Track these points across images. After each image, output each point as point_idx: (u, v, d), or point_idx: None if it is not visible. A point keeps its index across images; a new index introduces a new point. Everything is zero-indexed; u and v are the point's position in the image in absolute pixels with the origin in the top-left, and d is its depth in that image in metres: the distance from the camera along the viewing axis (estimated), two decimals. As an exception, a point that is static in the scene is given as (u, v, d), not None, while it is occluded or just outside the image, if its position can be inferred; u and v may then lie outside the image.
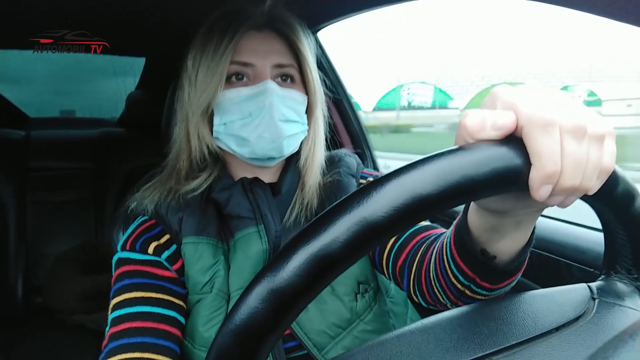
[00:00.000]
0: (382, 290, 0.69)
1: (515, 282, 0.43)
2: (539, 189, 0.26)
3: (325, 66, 1.24)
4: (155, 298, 0.56)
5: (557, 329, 0.31)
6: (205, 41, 0.62)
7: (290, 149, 0.63)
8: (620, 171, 0.29)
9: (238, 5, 0.64)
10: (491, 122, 0.26)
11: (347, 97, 1.30)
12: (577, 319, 0.32)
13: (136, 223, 0.62)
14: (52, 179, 1.48)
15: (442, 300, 0.52)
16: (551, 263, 0.79)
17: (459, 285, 0.46)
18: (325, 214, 0.23)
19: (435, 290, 0.51)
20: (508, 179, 0.25)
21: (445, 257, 0.47)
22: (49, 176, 1.48)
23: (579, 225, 0.82)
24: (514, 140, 0.25)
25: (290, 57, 0.64)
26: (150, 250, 0.59)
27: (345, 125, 1.32)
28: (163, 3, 0.90)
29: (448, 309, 0.53)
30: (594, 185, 0.27)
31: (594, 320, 0.32)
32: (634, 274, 0.35)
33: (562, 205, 0.29)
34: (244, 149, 0.61)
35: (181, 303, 0.58)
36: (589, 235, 0.78)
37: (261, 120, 0.59)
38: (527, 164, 0.25)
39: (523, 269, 0.41)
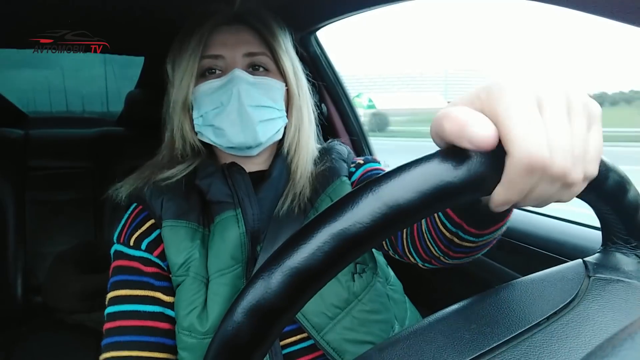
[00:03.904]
0: (380, 274, 0.70)
1: (502, 230, 0.43)
2: (496, 207, 0.26)
3: (323, 63, 1.27)
4: (141, 296, 0.59)
5: (548, 318, 0.29)
6: (181, 41, 0.65)
7: (266, 135, 0.64)
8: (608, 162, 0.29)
9: (210, 5, 0.66)
10: (468, 135, 0.23)
11: (342, 88, 1.32)
12: (568, 303, 0.30)
13: (128, 212, 0.65)
14: (51, 178, 1.47)
15: (434, 252, 0.53)
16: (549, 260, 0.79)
17: (447, 233, 0.47)
18: (304, 228, 0.23)
19: (428, 242, 0.53)
20: (477, 191, 0.24)
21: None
22: (48, 175, 1.47)
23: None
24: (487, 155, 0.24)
25: (261, 47, 0.66)
26: (133, 242, 0.62)
27: (340, 115, 1.34)
28: (163, 3, 0.90)
29: (444, 263, 0.54)
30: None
31: (588, 304, 0.30)
32: (632, 242, 0.34)
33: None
34: (221, 138, 0.63)
35: (167, 298, 0.60)
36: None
37: (231, 108, 0.61)
38: (495, 181, 0.24)
39: (510, 215, 0.41)
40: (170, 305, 0.60)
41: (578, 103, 0.25)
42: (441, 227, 0.48)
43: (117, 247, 0.63)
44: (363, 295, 0.63)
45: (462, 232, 0.45)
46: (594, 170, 0.26)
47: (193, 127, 0.67)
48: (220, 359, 0.23)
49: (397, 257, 0.64)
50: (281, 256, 0.22)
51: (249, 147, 0.64)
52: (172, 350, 0.58)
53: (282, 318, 0.22)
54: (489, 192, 0.25)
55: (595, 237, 0.76)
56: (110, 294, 0.59)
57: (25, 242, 1.40)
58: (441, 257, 0.53)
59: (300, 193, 0.65)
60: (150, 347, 0.56)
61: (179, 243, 0.60)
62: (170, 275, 0.61)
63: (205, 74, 0.64)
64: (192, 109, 0.66)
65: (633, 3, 0.45)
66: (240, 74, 0.62)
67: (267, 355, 0.59)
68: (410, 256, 0.60)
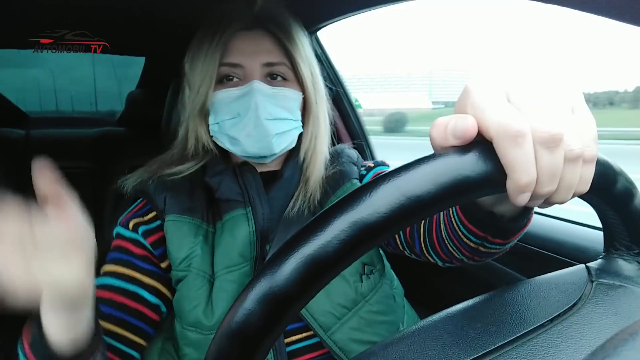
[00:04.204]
0: (387, 275, 0.70)
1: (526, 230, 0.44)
2: (517, 197, 0.25)
3: (324, 64, 1.25)
4: (121, 273, 0.60)
5: (552, 320, 0.30)
6: (200, 43, 0.64)
7: (281, 146, 0.64)
8: (607, 161, 0.29)
9: (229, 6, 0.65)
10: (451, 130, 0.25)
11: (345, 93, 1.31)
12: (572, 306, 0.31)
13: (134, 205, 0.67)
14: (52, 178, 1.47)
15: (457, 256, 0.53)
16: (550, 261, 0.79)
17: (471, 244, 0.47)
18: (319, 217, 0.23)
19: (450, 248, 0.53)
20: (483, 186, 0.24)
21: (453, 221, 0.48)
22: (48, 175, 1.47)
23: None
24: (485, 146, 0.24)
25: (281, 56, 0.65)
26: (132, 226, 0.63)
27: (343, 120, 1.33)
28: (163, 3, 0.90)
29: (468, 264, 0.54)
30: (571, 194, 0.27)
31: (591, 307, 0.31)
32: (635, 250, 0.35)
33: (545, 206, 0.29)
34: (236, 147, 0.63)
35: (148, 281, 0.61)
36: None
37: (248, 120, 0.61)
38: (502, 171, 0.24)
39: (532, 217, 0.42)
40: (149, 288, 0.61)
41: (551, 91, 0.26)
42: (465, 239, 0.48)
43: (117, 229, 0.65)
44: (370, 296, 0.63)
45: (487, 242, 0.45)
46: (593, 151, 0.26)
47: (208, 131, 0.67)
48: (227, 346, 0.22)
49: (413, 256, 0.65)
50: (297, 243, 0.22)
51: (263, 157, 0.65)
52: (135, 330, 0.59)
53: (293, 306, 0.22)
54: (502, 184, 0.25)
55: (596, 237, 0.76)
56: (105, 268, 0.61)
57: (25, 242, 1.40)
58: (464, 260, 0.53)
59: (311, 195, 0.66)
60: (114, 321, 0.57)
61: (181, 238, 0.61)
62: (161, 264, 0.62)
63: (223, 81, 0.64)
64: (209, 114, 0.65)
65: (633, 3, 0.45)
66: (258, 85, 0.61)
67: (271, 352, 0.59)
68: (429, 256, 0.60)
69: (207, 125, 0.66)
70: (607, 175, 0.29)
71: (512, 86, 0.26)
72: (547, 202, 0.28)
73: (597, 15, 0.48)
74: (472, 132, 0.24)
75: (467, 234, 0.46)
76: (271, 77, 0.64)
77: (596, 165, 0.27)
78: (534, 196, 0.26)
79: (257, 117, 0.61)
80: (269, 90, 0.62)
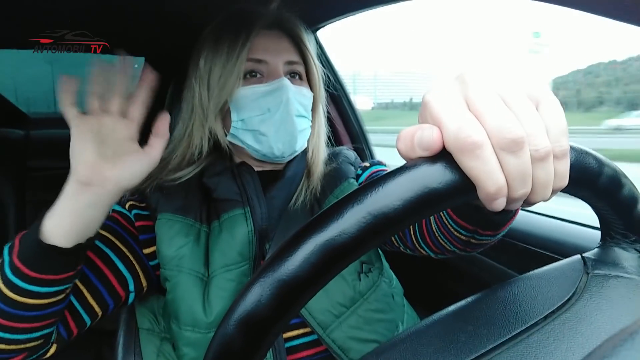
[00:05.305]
0: (386, 274, 0.71)
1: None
2: (491, 204, 0.25)
3: (324, 64, 1.25)
4: (105, 236, 0.61)
5: (545, 318, 0.29)
6: (217, 42, 0.64)
7: (300, 144, 0.66)
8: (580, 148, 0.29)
9: (247, 6, 0.67)
10: (417, 142, 0.25)
11: (345, 94, 1.31)
12: (566, 301, 0.30)
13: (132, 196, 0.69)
14: (52, 178, 1.47)
15: (449, 248, 0.54)
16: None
17: (462, 237, 0.48)
18: (330, 209, 0.23)
19: (441, 241, 0.54)
20: (453, 196, 0.24)
21: (442, 216, 0.49)
22: (48, 175, 1.47)
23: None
24: (451, 157, 0.24)
25: (297, 55, 0.67)
26: (128, 206, 0.65)
27: (343, 121, 1.32)
28: (163, 3, 0.90)
29: (460, 255, 0.55)
30: (550, 191, 0.26)
31: (585, 302, 0.30)
32: (631, 237, 0.34)
33: (527, 205, 0.28)
34: (261, 144, 0.64)
35: (125, 251, 0.61)
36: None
37: (280, 115, 0.62)
38: (471, 181, 0.24)
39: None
40: (123, 258, 0.61)
41: (509, 88, 0.25)
42: (455, 232, 0.48)
43: (114, 206, 0.66)
44: (369, 295, 0.64)
45: (478, 235, 0.46)
46: (563, 144, 0.25)
47: (224, 128, 0.67)
48: (233, 333, 0.23)
49: (408, 251, 0.65)
50: (270, 268, 0.22)
51: (282, 157, 0.66)
52: (96, 294, 0.58)
53: (274, 327, 0.22)
54: (474, 192, 0.25)
55: (594, 236, 0.76)
56: None
57: (25, 243, 1.40)
58: (456, 252, 0.54)
59: (313, 189, 0.68)
60: (83, 279, 0.57)
61: (172, 237, 0.61)
62: (143, 249, 0.63)
63: (246, 77, 0.65)
64: (230, 111, 0.65)
65: (633, 3, 0.45)
66: (287, 82, 0.63)
67: (270, 350, 0.59)
68: (421, 250, 0.61)
69: (223, 123, 0.66)
70: (589, 166, 0.28)
71: (470, 90, 0.25)
72: (527, 202, 0.27)
73: (597, 15, 0.48)
74: (439, 144, 0.24)
75: (457, 228, 0.47)
76: (291, 75, 0.66)
77: (577, 157, 0.27)
78: (509, 200, 0.25)
79: (287, 113, 0.62)
80: (294, 88, 0.64)
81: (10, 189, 1.40)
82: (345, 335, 0.60)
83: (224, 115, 0.66)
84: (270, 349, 0.60)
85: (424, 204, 0.23)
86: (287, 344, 0.62)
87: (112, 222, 0.63)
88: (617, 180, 0.30)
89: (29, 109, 1.97)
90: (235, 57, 0.62)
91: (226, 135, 0.68)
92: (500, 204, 0.25)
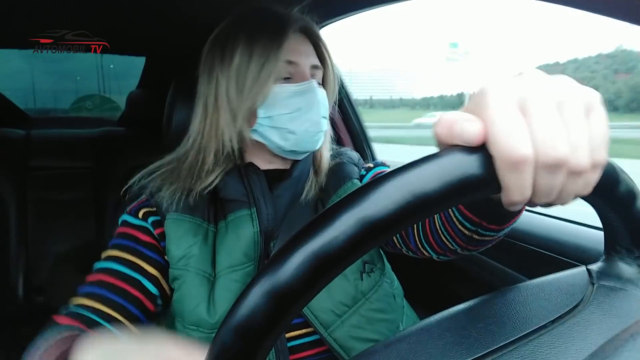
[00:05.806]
0: (388, 275, 0.71)
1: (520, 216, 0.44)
2: (510, 207, 0.25)
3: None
4: (127, 260, 0.61)
5: (553, 321, 0.30)
6: (252, 41, 0.64)
7: (319, 143, 0.68)
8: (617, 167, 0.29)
9: (272, 7, 0.68)
10: (458, 133, 0.24)
11: (347, 96, 1.31)
12: (573, 308, 0.31)
13: (139, 198, 0.67)
14: (53, 178, 1.47)
15: (450, 246, 0.54)
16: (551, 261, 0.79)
17: (466, 231, 0.48)
18: (324, 214, 0.23)
19: (443, 238, 0.54)
20: (476, 192, 0.24)
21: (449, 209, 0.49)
22: (49, 175, 1.48)
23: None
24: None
25: (318, 60, 0.69)
26: (142, 215, 0.64)
27: (345, 122, 1.32)
28: (163, 3, 0.90)
29: (461, 254, 0.56)
30: (571, 200, 0.26)
31: (592, 309, 0.31)
32: (635, 253, 0.34)
33: (544, 207, 0.28)
34: (287, 141, 0.65)
35: (152, 270, 0.62)
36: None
37: (310, 115, 0.64)
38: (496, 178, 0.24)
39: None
40: (151, 278, 0.61)
41: (567, 94, 0.25)
42: (459, 226, 0.49)
43: (124, 217, 0.65)
44: (371, 294, 0.64)
45: (482, 229, 0.46)
46: (602, 156, 0.25)
47: (248, 125, 0.66)
48: (230, 342, 0.22)
49: (410, 253, 0.65)
50: (302, 238, 0.22)
51: (303, 153, 0.68)
52: (132, 318, 0.59)
53: (298, 302, 0.22)
54: (496, 193, 0.25)
55: (597, 237, 0.76)
56: (107, 253, 0.62)
57: (26, 242, 1.40)
58: (458, 250, 0.54)
59: (316, 193, 0.69)
60: (113, 305, 0.57)
61: (180, 236, 0.62)
62: (165, 260, 0.63)
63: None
64: (258, 109, 0.65)
65: (633, 2, 0.45)
66: (316, 84, 0.65)
67: (272, 350, 0.59)
68: (424, 251, 0.61)
69: (249, 122, 0.66)
70: (610, 177, 0.28)
71: (528, 91, 0.24)
72: (546, 204, 0.27)
73: (598, 15, 0.48)
74: (480, 141, 0.24)
75: (463, 221, 0.47)
76: (314, 78, 0.68)
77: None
78: (530, 204, 0.26)
79: (317, 113, 0.65)
80: (321, 91, 0.66)
81: (11, 188, 1.40)
82: (347, 335, 0.61)
83: (252, 114, 0.66)
84: (273, 349, 0.60)
85: (456, 192, 0.22)
86: (290, 344, 0.62)
87: (132, 241, 0.63)
88: (632, 193, 0.30)
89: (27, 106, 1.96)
90: (268, 57, 0.63)
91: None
92: (519, 207, 0.25)
